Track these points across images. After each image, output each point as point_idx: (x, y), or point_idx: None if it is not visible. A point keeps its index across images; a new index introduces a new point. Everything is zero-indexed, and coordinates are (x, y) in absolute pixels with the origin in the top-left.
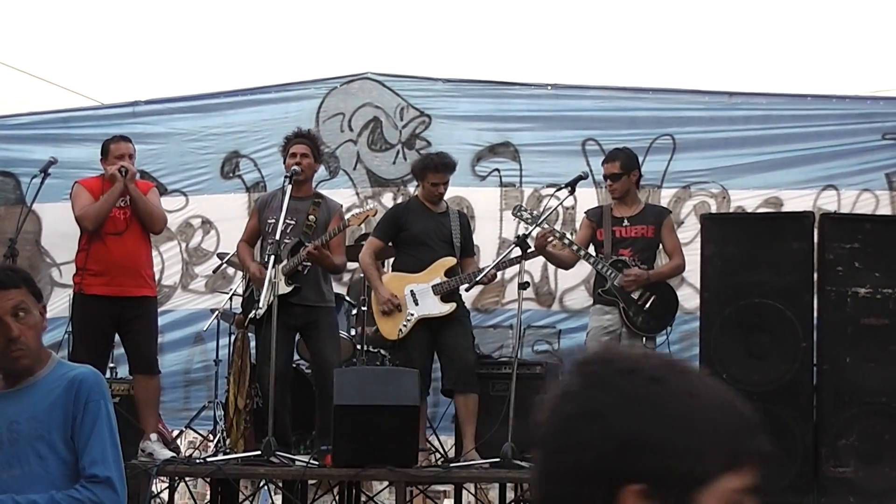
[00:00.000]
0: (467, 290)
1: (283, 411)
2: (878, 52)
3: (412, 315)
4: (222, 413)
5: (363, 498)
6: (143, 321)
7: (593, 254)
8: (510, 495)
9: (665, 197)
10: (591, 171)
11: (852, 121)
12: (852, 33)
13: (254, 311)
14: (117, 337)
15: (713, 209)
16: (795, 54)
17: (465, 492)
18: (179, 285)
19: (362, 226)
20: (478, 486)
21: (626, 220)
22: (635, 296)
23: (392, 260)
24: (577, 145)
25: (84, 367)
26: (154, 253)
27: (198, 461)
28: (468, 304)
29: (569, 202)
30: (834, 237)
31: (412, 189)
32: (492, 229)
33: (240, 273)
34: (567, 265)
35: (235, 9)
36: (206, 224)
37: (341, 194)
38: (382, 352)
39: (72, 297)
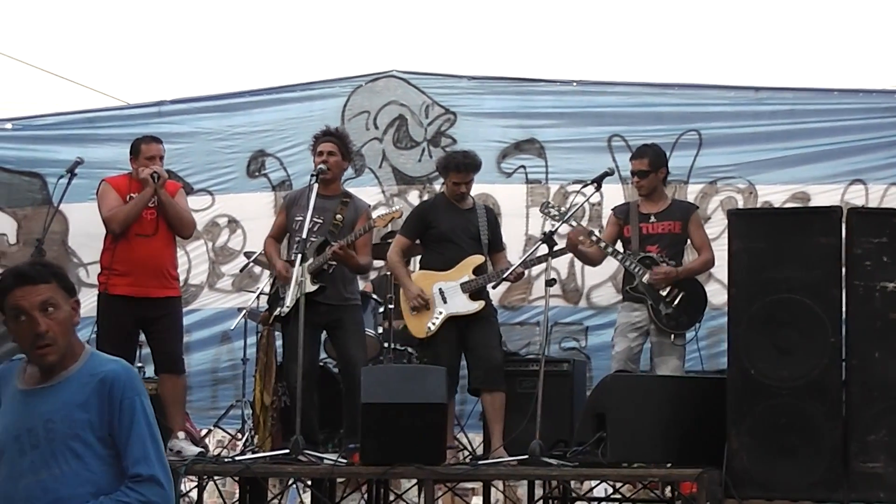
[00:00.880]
0: (494, 287)
1: (311, 409)
2: None
3: (441, 313)
4: (250, 412)
5: (391, 496)
6: (168, 320)
7: (621, 251)
8: (538, 492)
9: (692, 192)
10: (617, 167)
11: (879, 115)
12: (878, 27)
13: (279, 309)
14: (144, 337)
15: (740, 204)
16: (822, 49)
17: (493, 489)
18: (206, 284)
19: (388, 225)
20: (506, 484)
21: (652, 217)
22: (663, 293)
23: (419, 258)
24: (603, 141)
25: (116, 362)
26: (180, 252)
27: (226, 460)
28: (495, 302)
29: (595, 198)
30: (862, 232)
31: (438, 186)
32: (518, 226)
33: (266, 272)
34: (595, 262)
35: (261, 8)
36: (233, 223)
37: (367, 192)
38: (410, 349)
39: (98, 296)
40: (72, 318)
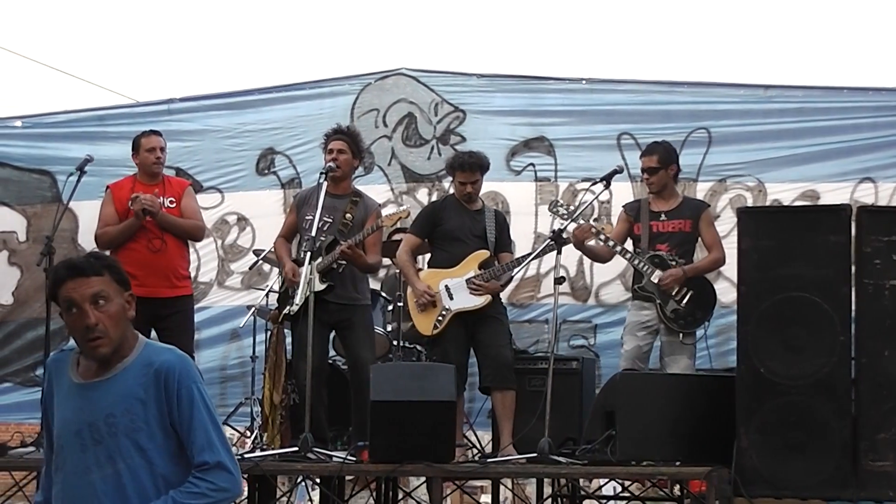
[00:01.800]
0: (503, 286)
1: (320, 407)
2: None
3: (447, 310)
4: (259, 409)
5: (400, 494)
6: (179, 318)
7: (630, 249)
8: (547, 490)
9: (701, 190)
10: (626, 164)
11: (889, 113)
12: (888, 26)
13: (288, 308)
14: (155, 334)
15: (749, 202)
16: (831, 47)
17: (502, 487)
18: (215, 282)
19: (397, 223)
20: (514, 482)
21: (663, 215)
22: (672, 291)
23: (428, 257)
24: (612, 139)
25: (170, 351)
26: (190, 250)
27: (236, 457)
28: (504, 299)
29: (604, 196)
30: (871, 230)
31: (447, 184)
32: (527, 224)
33: (276, 270)
34: (603, 259)
35: (271, 6)
36: (242, 221)
37: (376, 190)
38: (419, 347)
39: None
40: (125, 310)
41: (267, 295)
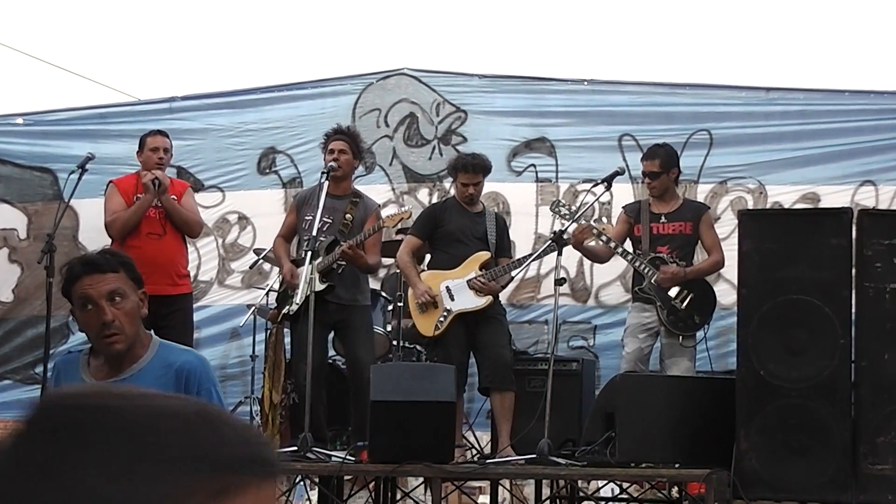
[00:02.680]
0: (503, 286)
1: (319, 407)
2: None
3: (449, 311)
4: (258, 409)
5: (399, 494)
6: (179, 316)
7: (629, 250)
8: (546, 492)
9: (702, 192)
10: (627, 166)
11: (890, 116)
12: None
13: (288, 307)
14: (154, 333)
15: (750, 204)
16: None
17: (500, 488)
18: (216, 281)
19: (398, 224)
20: (513, 483)
21: (663, 217)
22: (672, 294)
23: (428, 258)
24: (614, 140)
25: (189, 352)
26: (190, 248)
27: None
28: (504, 300)
29: (605, 198)
30: (872, 233)
31: (448, 185)
32: (527, 225)
33: (276, 269)
34: (602, 260)
35: (272, 4)
36: (243, 220)
37: (377, 190)
38: (419, 348)
39: None
40: (139, 308)
41: (267, 294)
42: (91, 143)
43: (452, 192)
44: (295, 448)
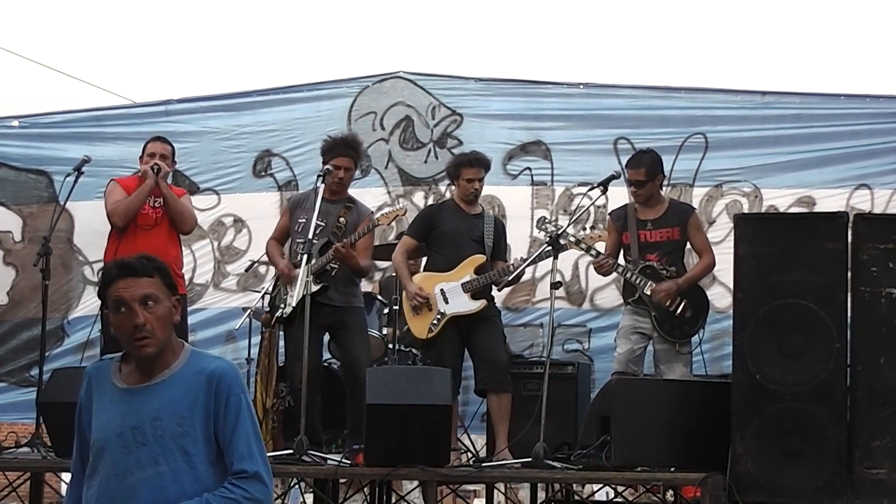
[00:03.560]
0: (499, 289)
1: (314, 410)
2: None
3: (443, 314)
4: None
5: (394, 497)
6: None
7: (622, 263)
8: (541, 495)
9: (697, 196)
10: (622, 169)
11: (885, 120)
12: (886, 33)
13: (281, 310)
14: None
15: (745, 208)
16: (829, 54)
17: (495, 491)
18: (211, 283)
19: (392, 225)
20: (507, 486)
21: (650, 224)
22: (666, 303)
23: (425, 260)
24: (609, 144)
25: (220, 359)
26: (186, 251)
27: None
28: (499, 303)
29: (600, 201)
30: (868, 238)
31: (443, 188)
32: (523, 228)
33: (272, 271)
34: (608, 273)
35: (269, 8)
36: (238, 223)
37: (372, 193)
38: (414, 351)
39: None
40: (172, 314)
41: (263, 297)
42: (86, 146)
43: (448, 195)
44: (290, 451)
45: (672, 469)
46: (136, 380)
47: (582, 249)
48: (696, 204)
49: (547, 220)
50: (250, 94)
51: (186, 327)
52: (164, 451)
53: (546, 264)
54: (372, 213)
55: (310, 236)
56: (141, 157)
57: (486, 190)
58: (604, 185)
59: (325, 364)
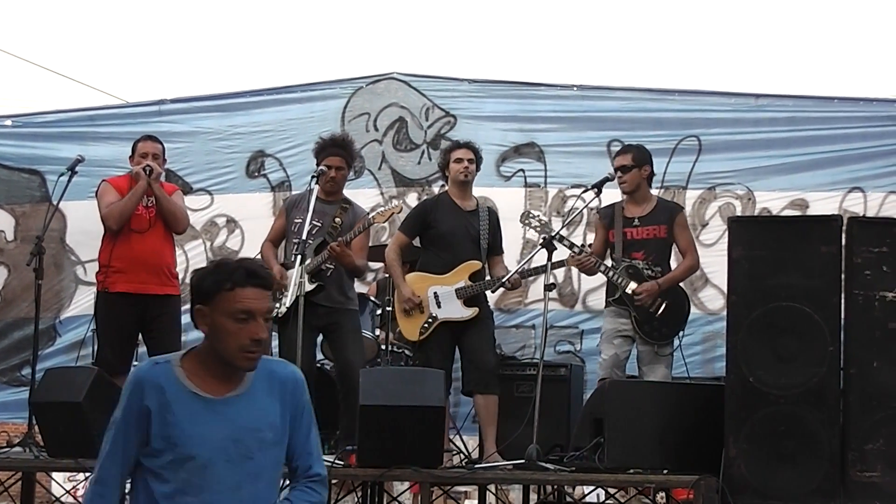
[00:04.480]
0: (493, 292)
1: None
2: None
3: (434, 318)
4: None
5: (386, 499)
6: (167, 319)
7: (606, 263)
8: (533, 497)
9: (690, 198)
10: (615, 171)
11: (879, 123)
12: (879, 36)
13: (276, 310)
14: (141, 336)
15: (738, 211)
16: (822, 57)
17: (487, 492)
18: None
19: (386, 225)
20: (498, 488)
21: (636, 220)
22: (648, 303)
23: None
24: (603, 146)
25: (288, 364)
26: (179, 252)
27: None
28: (491, 304)
29: (594, 203)
30: (862, 241)
31: (437, 189)
32: (516, 230)
33: None
34: (593, 273)
35: (262, 9)
36: (231, 223)
37: (366, 194)
38: (407, 352)
39: (96, 295)
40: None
41: None
42: (79, 146)
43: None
44: None
45: (665, 471)
46: (218, 388)
47: (565, 245)
48: (689, 206)
49: (531, 215)
50: (244, 95)
51: (180, 328)
52: (266, 464)
53: (539, 264)
54: (367, 213)
55: (304, 236)
56: (131, 157)
57: (480, 191)
58: (598, 188)
59: (318, 365)
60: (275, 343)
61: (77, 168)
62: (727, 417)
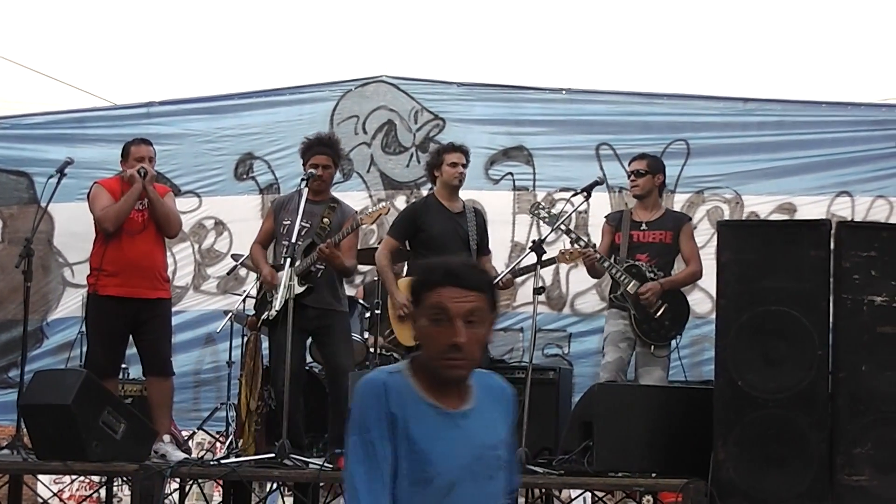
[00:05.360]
0: None
1: (297, 414)
2: (893, 59)
3: None
4: (234, 415)
5: None
6: (158, 322)
7: (613, 262)
8: (521, 500)
9: (678, 202)
10: (604, 175)
11: (866, 128)
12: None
13: (267, 313)
14: (132, 338)
15: (726, 214)
16: (810, 61)
17: None
18: (191, 286)
19: (374, 226)
20: None
21: (644, 225)
22: (651, 302)
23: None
24: (591, 150)
25: (494, 374)
26: (167, 254)
27: (212, 463)
28: None
29: (582, 207)
30: (851, 245)
31: (425, 192)
32: (504, 233)
33: (252, 275)
34: (598, 275)
35: (250, 11)
36: (219, 225)
37: (354, 197)
38: (395, 355)
39: (86, 297)
40: (489, 335)
41: (244, 300)
42: (68, 148)
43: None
44: (272, 455)
45: (653, 475)
46: (451, 401)
47: (571, 238)
48: (677, 210)
49: (541, 206)
50: (232, 97)
51: (171, 331)
52: (502, 484)
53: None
54: (356, 212)
55: (293, 239)
56: (124, 161)
57: (468, 194)
58: (588, 192)
59: (308, 368)
60: (265, 346)
61: (66, 170)
62: (716, 421)
